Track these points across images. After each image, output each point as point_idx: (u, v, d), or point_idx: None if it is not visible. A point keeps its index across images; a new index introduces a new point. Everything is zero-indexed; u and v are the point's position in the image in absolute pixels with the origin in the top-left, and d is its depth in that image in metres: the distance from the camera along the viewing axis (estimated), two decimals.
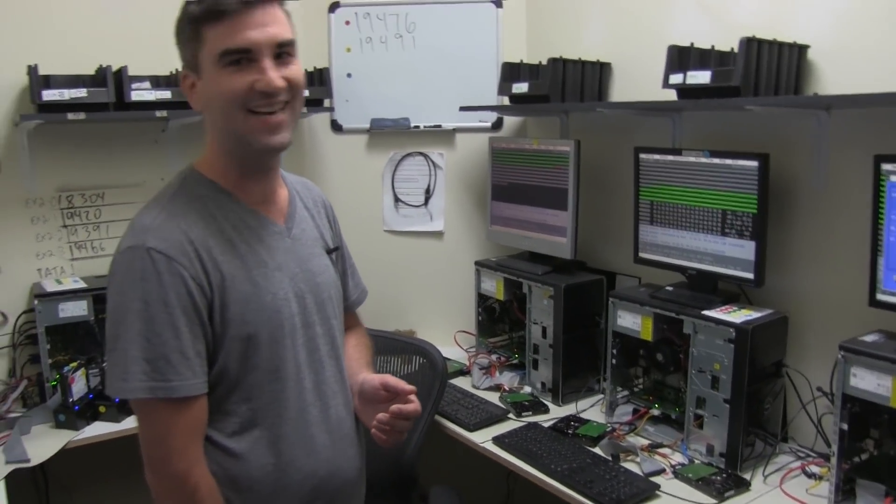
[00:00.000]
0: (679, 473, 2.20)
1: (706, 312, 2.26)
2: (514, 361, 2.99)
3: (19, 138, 2.80)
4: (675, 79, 2.28)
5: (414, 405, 1.69)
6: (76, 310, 2.73)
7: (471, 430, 2.57)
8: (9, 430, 2.54)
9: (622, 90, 2.85)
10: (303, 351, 1.64)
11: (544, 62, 2.80)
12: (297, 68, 1.54)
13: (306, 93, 3.02)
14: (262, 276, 1.58)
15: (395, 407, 1.66)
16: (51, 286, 2.79)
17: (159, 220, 1.51)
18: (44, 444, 2.50)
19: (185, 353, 1.47)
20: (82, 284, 2.81)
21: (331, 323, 1.73)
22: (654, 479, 2.18)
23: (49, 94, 2.64)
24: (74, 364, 2.65)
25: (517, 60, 3.01)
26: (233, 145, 1.57)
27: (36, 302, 2.71)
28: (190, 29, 1.49)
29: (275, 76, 1.47)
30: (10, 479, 2.32)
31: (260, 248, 1.60)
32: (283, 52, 1.50)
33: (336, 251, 1.83)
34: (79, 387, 2.63)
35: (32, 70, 2.65)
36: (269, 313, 1.57)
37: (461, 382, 2.95)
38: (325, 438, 1.67)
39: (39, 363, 2.74)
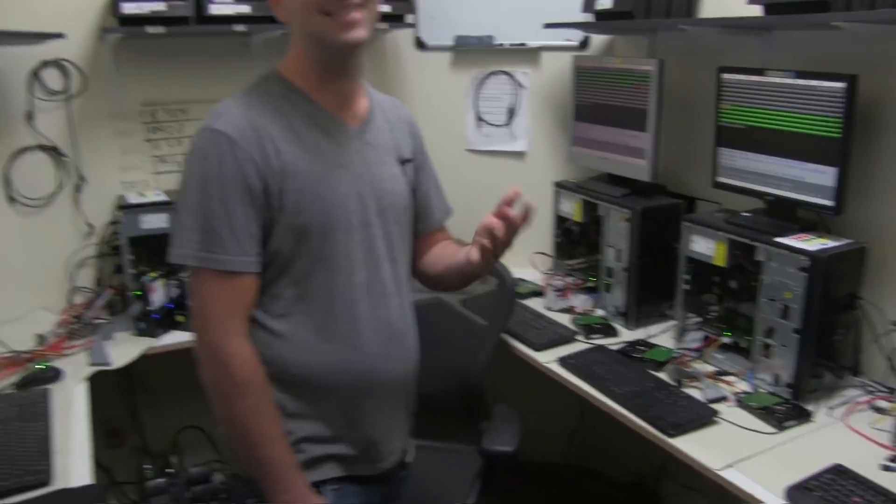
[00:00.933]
0: (742, 401, 2.29)
1: (779, 239, 2.30)
2: (590, 284, 3.09)
3: (104, 52, 2.98)
4: None
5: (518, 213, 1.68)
6: (157, 222, 2.85)
7: (537, 350, 2.70)
8: (93, 336, 2.77)
9: (711, 7, 2.83)
10: (357, 248, 1.78)
11: None
12: None
13: (388, 7, 3.14)
14: (324, 171, 1.73)
15: (502, 209, 1.68)
16: (133, 198, 2.95)
17: (230, 108, 1.69)
18: (125, 349, 2.73)
19: (234, 229, 1.65)
20: (164, 197, 2.95)
21: (390, 227, 1.86)
22: (716, 406, 2.27)
23: (129, 7, 2.77)
24: (154, 274, 2.85)
25: None
26: (313, 48, 1.73)
27: (119, 213, 2.87)
28: None
29: None
30: (97, 381, 2.55)
31: (326, 145, 1.76)
32: None
33: (409, 162, 1.95)
34: (158, 296, 2.85)
35: None
36: (324, 206, 1.72)
37: (535, 304, 3.06)
38: (370, 335, 1.82)
39: (122, 273, 2.92)
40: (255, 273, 1.71)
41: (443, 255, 2.04)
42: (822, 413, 2.25)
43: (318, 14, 1.63)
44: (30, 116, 2.94)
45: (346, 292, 1.78)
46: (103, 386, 2.71)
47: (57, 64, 2.95)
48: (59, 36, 2.73)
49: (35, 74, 2.92)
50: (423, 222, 2.07)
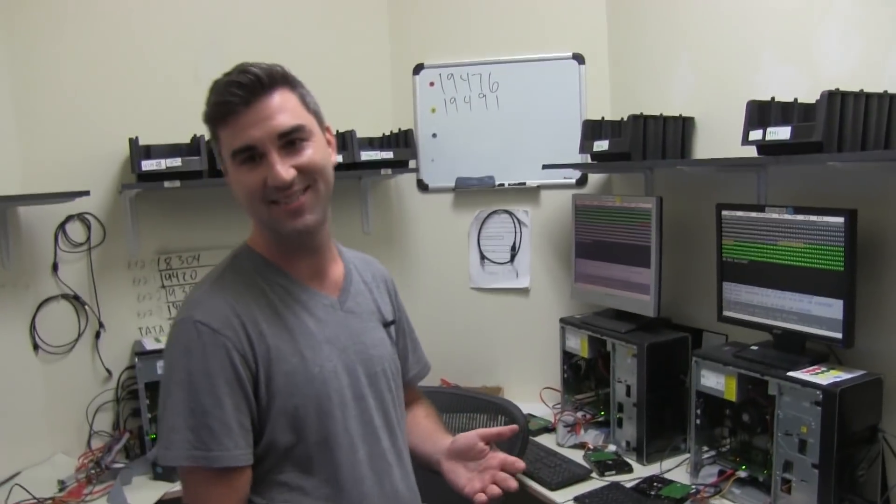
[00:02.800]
0: None
1: (791, 373, 2.15)
2: (600, 419, 2.91)
3: (123, 205, 2.95)
4: (755, 135, 2.21)
5: (517, 461, 1.68)
6: None
7: (552, 489, 2.51)
8: (112, 480, 2.63)
9: (706, 146, 2.78)
10: (355, 423, 1.62)
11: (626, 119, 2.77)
12: (312, 152, 1.52)
13: (390, 154, 3.09)
14: (310, 349, 1.57)
15: (501, 456, 1.66)
16: (150, 344, 2.88)
17: (207, 295, 1.54)
18: (143, 494, 2.57)
19: (227, 423, 1.47)
20: None
21: (384, 396, 1.70)
22: None
23: (147, 164, 2.78)
24: None
25: (599, 117, 2.99)
26: (268, 232, 1.58)
27: (136, 359, 2.79)
28: (209, 129, 1.54)
29: (281, 170, 1.46)
30: None
31: (308, 321, 1.60)
32: (291, 139, 1.49)
33: (393, 324, 1.80)
34: None
35: (133, 142, 2.78)
36: (316, 385, 1.56)
37: (546, 440, 2.89)
38: None
39: (140, 417, 2.80)
40: (249, 466, 1.52)
41: (413, 430, 1.87)
42: None
43: (263, 203, 1.50)
44: (55, 268, 2.90)
45: (351, 471, 1.59)
46: None
47: (80, 217, 2.94)
48: (85, 194, 2.73)
49: (61, 227, 2.91)
50: (405, 377, 1.91)
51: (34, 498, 2.51)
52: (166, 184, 2.79)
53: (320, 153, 1.54)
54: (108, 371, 2.99)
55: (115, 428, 2.97)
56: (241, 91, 1.45)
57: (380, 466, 1.65)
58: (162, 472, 2.68)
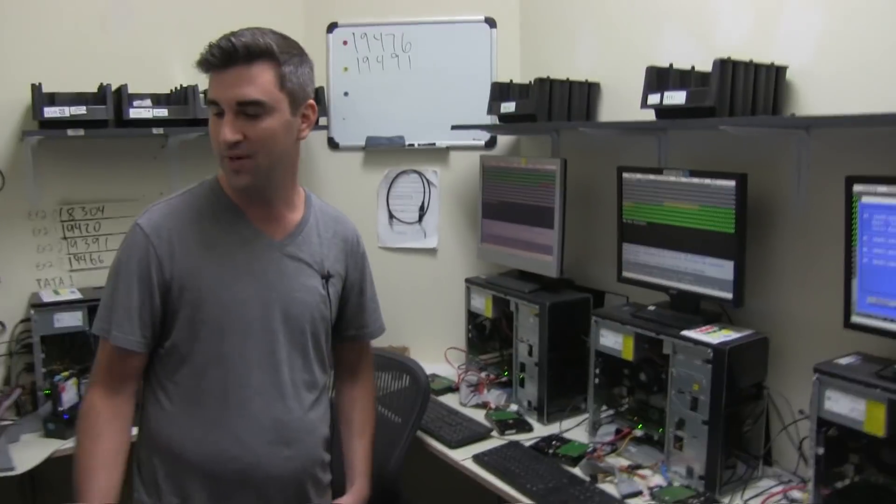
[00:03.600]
0: (656, 496, 2.11)
1: (684, 332, 2.17)
2: (504, 379, 2.90)
3: (24, 153, 2.80)
4: (653, 99, 2.22)
5: None
6: (71, 320, 2.70)
7: (452, 448, 2.50)
8: None
9: (611, 110, 2.78)
10: (255, 351, 1.76)
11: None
12: (264, 126, 1.64)
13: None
14: (229, 276, 1.74)
15: None
16: (48, 296, 2.77)
17: (158, 207, 1.77)
18: (32, 452, 2.48)
19: (129, 311, 1.70)
20: (79, 296, 2.78)
21: (296, 335, 1.82)
22: (630, 500, 2.09)
23: (50, 111, 2.65)
24: (66, 373, 2.62)
25: (508, 80, 2.96)
26: None
27: (32, 311, 2.69)
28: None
29: (226, 131, 1.62)
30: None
31: (239, 253, 1.76)
32: (247, 110, 1.62)
33: (331, 278, 1.89)
34: (69, 396, 2.59)
35: (36, 88, 2.65)
36: (221, 308, 1.73)
37: (449, 400, 2.86)
38: (258, 432, 1.76)
39: (34, 372, 2.69)
40: (139, 353, 1.74)
41: (347, 415, 2.09)
42: None
43: (218, 154, 1.69)
44: None
45: (239, 390, 1.76)
46: (6, 491, 2.56)
47: None
48: None
49: None
50: (347, 331, 2.05)
51: None
52: (70, 132, 2.67)
53: (272, 129, 1.65)
54: (2, 324, 2.85)
55: (7, 383, 2.84)
56: (218, 54, 1.60)
57: (273, 394, 1.78)
58: (54, 430, 2.57)
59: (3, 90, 2.77)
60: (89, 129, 2.71)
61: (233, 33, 1.62)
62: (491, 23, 3.15)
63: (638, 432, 2.39)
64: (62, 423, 2.56)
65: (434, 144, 3.25)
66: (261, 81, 1.62)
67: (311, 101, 1.75)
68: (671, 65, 2.25)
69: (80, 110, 2.68)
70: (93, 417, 1.72)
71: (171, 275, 1.71)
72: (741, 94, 2.09)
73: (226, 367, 1.74)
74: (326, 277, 1.88)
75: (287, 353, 1.80)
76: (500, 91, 2.93)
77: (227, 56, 1.60)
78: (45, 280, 2.94)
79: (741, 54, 2.11)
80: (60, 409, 2.56)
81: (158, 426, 1.77)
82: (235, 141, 1.62)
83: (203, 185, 1.83)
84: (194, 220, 1.76)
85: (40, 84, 2.66)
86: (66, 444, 2.49)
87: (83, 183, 2.98)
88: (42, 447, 2.51)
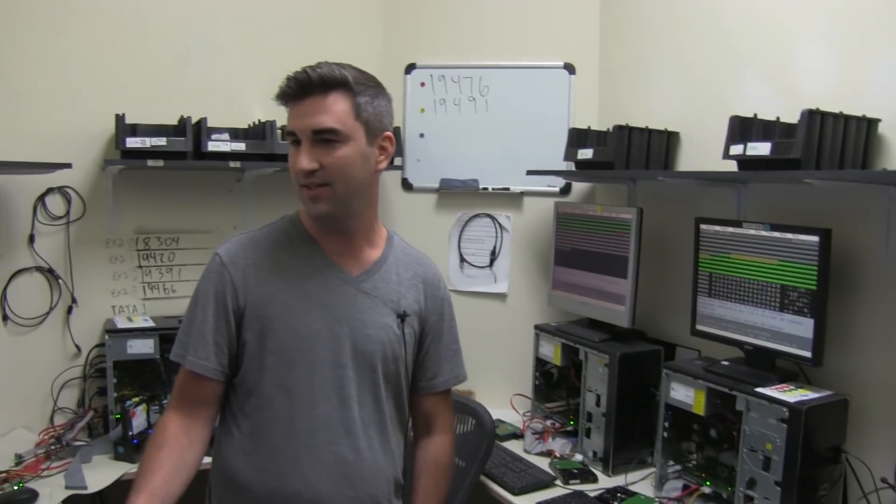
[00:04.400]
0: None
1: (759, 390, 2.12)
2: (569, 428, 2.88)
3: (105, 182, 2.92)
4: (736, 149, 2.20)
5: None
6: (143, 347, 2.77)
7: (515, 494, 2.48)
8: (71, 458, 2.58)
9: (690, 159, 2.77)
10: (324, 384, 1.76)
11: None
12: (339, 154, 1.67)
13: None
14: (302, 307, 1.76)
15: None
16: (122, 323, 2.86)
17: (238, 238, 1.83)
18: (102, 473, 2.53)
19: (205, 336, 1.75)
20: (151, 324, 2.85)
21: (365, 372, 1.80)
22: None
23: (132, 142, 2.75)
24: (137, 399, 2.69)
25: (586, 126, 2.97)
26: None
27: (107, 337, 2.77)
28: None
29: (303, 159, 1.66)
30: None
31: (312, 284, 1.79)
32: (323, 138, 1.66)
33: (408, 317, 1.87)
34: (139, 421, 2.66)
35: (119, 119, 2.76)
36: (293, 338, 1.75)
37: (513, 446, 2.85)
38: (321, 468, 1.75)
39: (106, 396, 2.78)
40: (215, 380, 1.77)
41: (415, 477, 1.99)
42: None
43: (297, 183, 1.72)
44: (31, 239, 2.87)
45: (306, 423, 1.75)
46: None
47: (61, 190, 2.91)
48: (66, 166, 2.71)
49: (41, 199, 2.88)
50: (422, 381, 1.98)
51: None
52: (150, 162, 2.76)
53: (348, 158, 1.68)
54: (78, 347, 2.95)
55: (80, 405, 2.93)
56: (295, 85, 1.66)
57: (339, 430, 1.77)
58: (123, 453, 2.63)
59: (89, 120, 2.89)
60: (168, 161, 2.80)
61: (310, 66, 1.67)
62: (570, 69, 3.18)
63: (706, 489, 2.33)
64: (131, 447, 2.62)
65: (508, 189, 3.27)
66: (336, 110, 1.66)
67: (389, 133, 1.77)
68: (755, 115, 2.23)
69: (161, 142, 2.78)
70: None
71: (245, 302, 1.75)
72: (829, 146, 2.05)
73: (292, 398, 1.74)
74: (402, 317, 1.85)
75: (356, 389, 1.78)
76: (578, 137, 2.95)
77: (303, 87, 1.65)
78: (120, 307, 3.03)
79: (827, 105, 2.07)
80: (130, 433, 2.62)
81: (226, 456, 1.79)
82: (311, 169, 1.66)
83: (283, 219, 1.88)
84: (270, 251, 1.80)
85: (123, 115, 2.76)
86: (135, 468, 2.48)
87: (159, 213, 3.07)
88: (112, 469, 2.57)
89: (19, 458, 2.56)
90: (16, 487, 2.35)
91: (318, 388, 1.75)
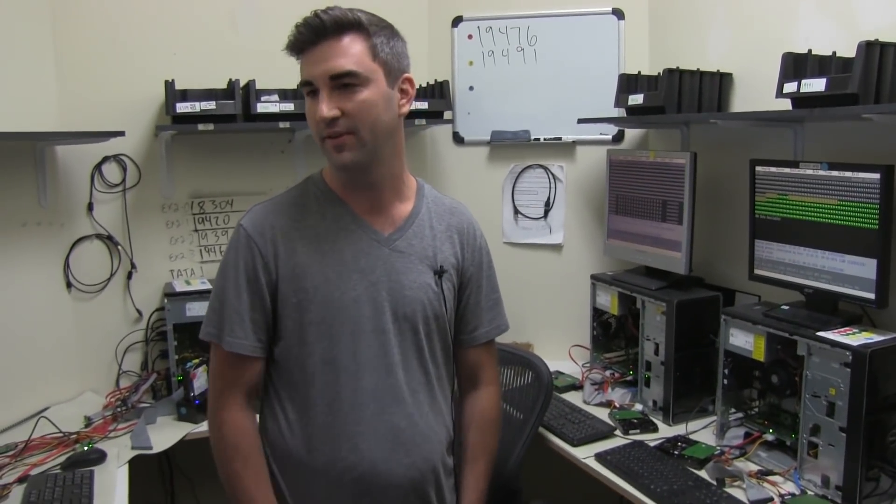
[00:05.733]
0: None
1: (821, 333, 2.07)
2: (629, 378, 2.86)
3: (158, 148, 2.96)
4: (790, 87, 2.12)
5: None
6: (202, 310, 2.67)
7: (574, 445, 2.47)
8: (136, 419, 2.65)
9: (743, 101, 2.69)
10: (367, 352, 1.70)
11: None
12: (361, 97, 1.60)
13: (425, 105, 3.07)
14: (337, 274, 1.69)
15: None
16: (180, 286, 2.91)
17: (262, 207, 1.76)
18: (167, 434, 2.60)
19: (241, 314, 1.68)
20: (208, 286, 2.87)
21: (408, 335, 1.75)
22: None
23: (182, 107, 2.77)
24: (197, 360, 2.75)
25: (636, 72, 2.90)
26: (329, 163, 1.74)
27: (166, 301, 2.83)
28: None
29: (324, 107, 1.58)
30: (137, 464, 2.43)
31: (346, 249, 1.71)
32: (342, 82, 1.59)
33: (446, 273, 1.81)
34: (200, 382, 2.71)
35: (169, 84, 2.78)
36: (331, 308, 1.68)
37: (572, 397, 2.84)
38: (373, 439, 1.70)
39: (168, 358, 2.84)
40: (258, 357, 1.72)
41: (464, 433, 1.95)
42: None
43: (317, 135, 1.65)
44: (90, 207, 2.93)
45: (352, 395, 1.71)
46: (145, 469, 2.70)
47: (116, 158, 2.96)
48: (120, 134, 2.73)
49: (98, 168, 2.93)
50: (463, 334, 1.93)
51: (60, 431, 2.53)
52: (200, 126, 2.78)
53: (371, 101, 1.61)
54: (139, 312, 3.01)
55: (144, 368, 3.00)
56: (306, 31, 1.59)
57: (387, 397, 1.72)
58: (186, 414, 2.70)
59: (140, 87, 2.92)
60: (219, 124, 2.81)
61: (314, 12, 1.60)
62: (619, 14, 3.11)
63: (769, 437, 2.29)
64: (193, 408, 2.69)
65: (560, 139, 3.22)
66: (353, 52, 1.59)
67: (409, 75, 1.70)
68: (809, 50, 2.15)
69: (210, 105, 2.79)
70: (236, 438, 1.70)
71: (277, 275, 1.69)
72: (889, 79, 1.94)
73: (336, 370, 1.70)
74: (440, 273, 1.79)
75: (401, 354, 1.74)
76: (628, 83, 2.89)
77: (316, 32, 1.58)
78: (178, 271, 3.08)
79: (887, 35, 1.97)
80: (192, 394, 2.69)
81: (276, 435, 1.75)
82: (333, 117, 1.59)
83: (307, 180, 1.81)
84: (298, 217, 1.73)
85: (173, 80, 2.79)
86: (198, 428, 2.63)
87: (213, 177, 3.10)
88: (176, 429, 2.63)
89: (88, 420, 2.65)
90: (86, 448, 2.42)
91: (362, 359, 1.70)
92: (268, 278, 1.69)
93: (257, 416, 1.79)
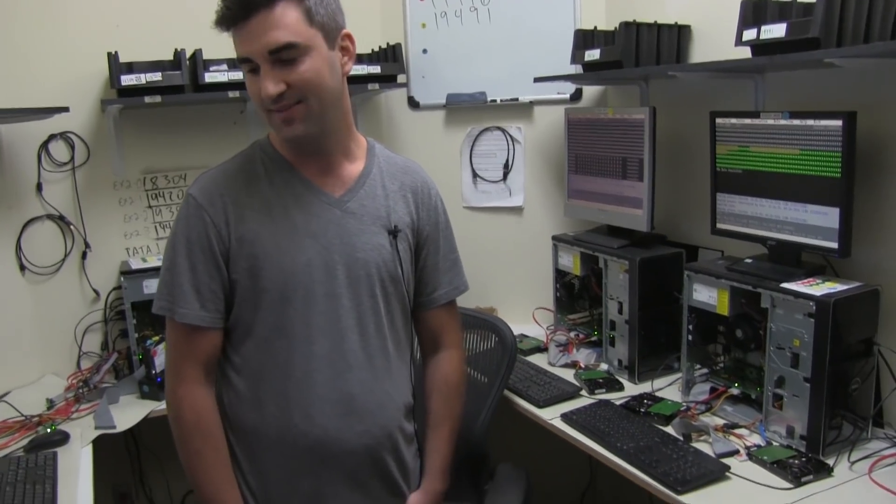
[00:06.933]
0: (753, 455, 1.99)
1: (785, 285, 2.03)
2: (594, 339, 2.81)
3: (106, 124, 2.84)
4: (749, 34, 2.05)
5: None
6: None
7: (540, 407, 2.43)
8: (99, 399, 2.59)
9: (703, 54, 2.61)
10: (319, 318, 1.66)
11: None
12: (305, 68, 1.53)
13: (377, 69, 2.97)
14: (288, 239, 1.64)
15: None
16: (136, 264, 2.82)
17: (210, 174, 1.69)
18: (130, 412, 2.55)
19: (197, 286, 1.62)
20: None
21: (363, 299, 1.70)
22: (726, 460, 1.98)
23: (127, 79, 2.65)
24: (157, 338, 2.67)
25: (593, 27, 2.82)
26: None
27: (123, 279, 2.74)
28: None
29: (268, 84, 1.51)
30: (104, 444, 2.40)
31: (297, 213, 1.66)
32: (282, 57, 1.51)
33: (400, 232, 1.75)
34: (160, 360, 2.63)
35: (113, 57, 2.66)
36: (283, 274, 1.63)
37: (538, 360, 2.79)
38: (325, 406, 1.67)
39: (128, 337, 2.76)
40: (214, 328, 1.67)
41: (427, 399, 1.92)
42: (843, 467, 1.94)
43: (263, 110, 1.59)
44: (39, 188, 2.81)
45: (304, 362, 1.66)
46: (113, 449, 2.71)
47: (63, 136, 2.83)
48: (64, 110, 2.59)
49: (44, 147, 2.81)
50: (422, 296, 1.88)
51: (21, 415, 2.46)
52: (147, 99, 2.66)
53: (315, 69, 1.54)
54: (96, 292, 2.92)
55: (104, 348, 2.92)
56: (234, 5, 1.48)
57: (340, 364, 1.68)
58: (148, 392, 2.63)
59: (83, 62, 2.79)
60: (166, 95, 2.69)
61: None
62: None
63: (734, 391, 2.26)
64: (155, 385, 2.62)
65: (517, 100, 3.13)
66: (287, 21, 1.49)
67: (346, 31, 1.62)
68: None
69: (156, 77, 2.67)
70: (195, 416, 1.66)
71: (230, 243, 1.63)
72: (852, 22, 1.86)
73: (289, 337, 1.65)
74: (394, 233, 1.73)
75: (355, 319, 1.69)
76: (584, 39, 2.79)
77: (244, 5, 1.48)
78: (134, 248, 2.98)
79: None
80: (154, 372, 2.62)
81: (230, 404, 1.71)
82: (279, 92, 1.52)
83: (254, 146, 1.74)
84: (247, 183, 1.67)
85: (116, 52, 2.67)
86: (161, 405, 2.54)
87: (165, 151, 2.99)
88: (139, 408, 2.58)
89: (51, 403, 2.58)
90: (48, 430, 2.37)
91: (315, 324, 1.65)
92: (221, 247, 1.63)
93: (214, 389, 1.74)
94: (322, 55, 1.55)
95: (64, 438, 2.33)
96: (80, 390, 2.64)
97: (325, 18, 1.55)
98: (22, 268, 2.78)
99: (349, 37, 1.63)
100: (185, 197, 1.66)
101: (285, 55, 1.50)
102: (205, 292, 1.63)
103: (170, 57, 2.76)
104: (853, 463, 1.95)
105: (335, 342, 1.67)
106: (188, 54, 2.74)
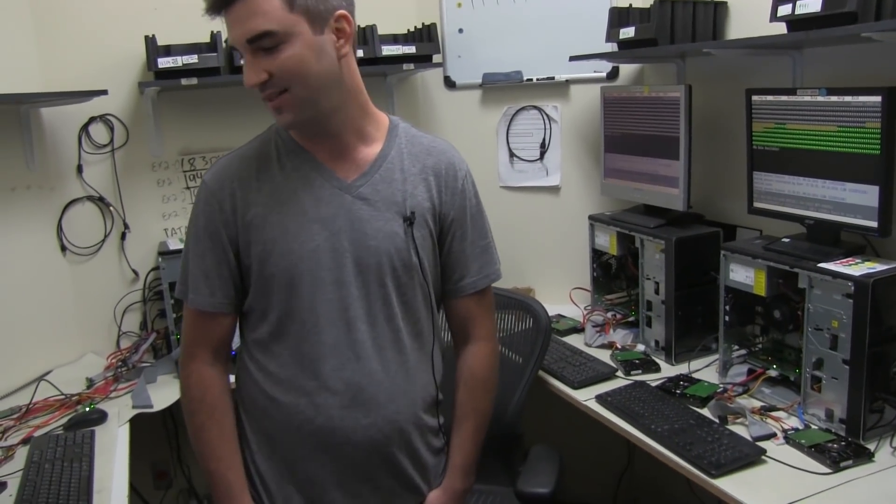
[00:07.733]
0: (791, 439, 1.96)
1: (822, 265, 1.99)
2: (631, 319, 2.79)
3: (145, 106, 2.88)
4: (784, 9, 2.01)
5: None
6: None
7: (575, 388, 2.42)
8: (137, 379, 2.62)
9: (739, 30, 2.56)
10: (326, 306, 1.63)
11: None
12: (286, 56, 1.48)
13: (413, 49, 2.97)
14: (296, 224, 1.62)
15: None
16: (174, 244, 2.85)
17: (224, 160, 1.69)
18: (167, 392, 2.56)
19: (206, 272, 1.64)
20: None
21: (373, 288, 1.65)
22: (763, 443, 1.95)
23: (164, 62, 2.68)
24: None
25: (628, 4, 2.79)
26: None
27: (160, 259, 2.78)
28: None
29: (249, 74, 1.50)
30: (143, 423, 2.44)
31: (306, 198, 1.63)
32: (261, 45, 1.47)
33: (416, 220, 1.67)
34: None
35: (150, 40, 2.69)
36: (290, 259, 1.61)
37: (574, 340, 2.78)
38: (329, 395, 1.64)
39: (166, 317, 2.81)
40: (224, 314, 1.69)
41: (456, 392, 1.86)
42: (884, 452, 1.90)
43: (262, 98, 1.57)
44: (80, 169, 2.86)
45: (312, 349, 1.65)
46: (151, 427, 2.73)
47: (103, 118, 2.87)
48: (103, 93, 2.65)
49: (84, 129, 2.85)
50: (449, 284, 1.80)
51: (61, 393, 2.51)
52: (183, 81, 2.68)
53: (297, 57, 1.49)
54: (135, 272, 2.96)
55: (143, 328, 2.96)
56: None
57: (347, 354, 1.64)
58: None
59: (121, 45, 2.83)
60: (202, 78, 2.71)
61: None
62: None
63: (772, 373, 2.23)
64: None
65: (553, 78, 3.10)
66: (266, 9, 1.44)
67: (342, 12, 1.53)
68: None
69: (192, 59, 2.70)
70: (201, 391, 1.69)
71: (239, 228, 1.62)
72: None
73: (297, 323, 1.63)
74: (410, 220, 1.65)
75: (365, 308, 1.64)
76: (619, 17, 2.76)
77: None
78: (172, 229, 3.01)
79: None
80: None
81: (244, 384, 1.74)
82: (261, 81, 1.49)
83: (271, 129, 1.71)
84: (259, 168, 1.64)
85: (154, 36, 2.69)
86: None
87: (202, 132, 3.02)
88: (176, 387, 2.56)
89: (90, 382, 2.62)
90: (87, 409, 2.41)
91: (321, 311, 1.62)
92: (229, 232, 1.63)
93: (230, 375, 1.77)
94: (306, 41, 1.49)
95: (102, 417, 2.36)
96: (119, 370, 2.69)
97: (310, 2, 1.48)
98: (63, 248, 2.83)
99: (345, 17, 1.54)
100: (202, 183, 1.67)
101: (265, 43, 1.46)
102: (214, 278, 1.64)
103: (206, 39, 2.78)
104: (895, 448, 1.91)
105: (343, 331, 1.63)
106: (224, 37, 2.74)
